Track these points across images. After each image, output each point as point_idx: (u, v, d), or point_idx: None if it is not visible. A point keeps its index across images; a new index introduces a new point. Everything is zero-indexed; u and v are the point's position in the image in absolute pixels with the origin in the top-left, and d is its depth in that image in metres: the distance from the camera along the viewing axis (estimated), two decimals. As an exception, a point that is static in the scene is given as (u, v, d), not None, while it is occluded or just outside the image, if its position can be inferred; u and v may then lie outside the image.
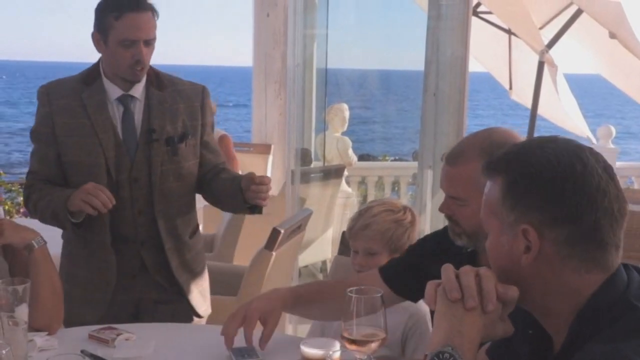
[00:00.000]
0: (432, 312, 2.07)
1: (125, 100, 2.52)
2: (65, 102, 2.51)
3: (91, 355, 1.94)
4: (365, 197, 6.70)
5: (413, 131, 5.20)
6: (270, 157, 6.18)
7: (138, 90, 2.52)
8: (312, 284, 2.24)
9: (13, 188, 8.06)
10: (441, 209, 1.89)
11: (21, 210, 7.27)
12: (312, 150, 5.93)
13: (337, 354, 1.28)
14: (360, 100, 7.32)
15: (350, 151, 6.67)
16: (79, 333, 2.18)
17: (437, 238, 2.06)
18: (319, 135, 6.29)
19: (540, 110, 5.60)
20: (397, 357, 2.13)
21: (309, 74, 5.62)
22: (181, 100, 2.57)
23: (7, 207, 7.06)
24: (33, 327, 1.97)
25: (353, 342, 1.46)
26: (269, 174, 6.04)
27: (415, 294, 2.02)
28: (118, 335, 2.09)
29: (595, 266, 1.24)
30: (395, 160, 9.49)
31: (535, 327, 1.34)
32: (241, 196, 2.50)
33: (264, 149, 6.15)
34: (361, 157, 8.14)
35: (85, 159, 2.48)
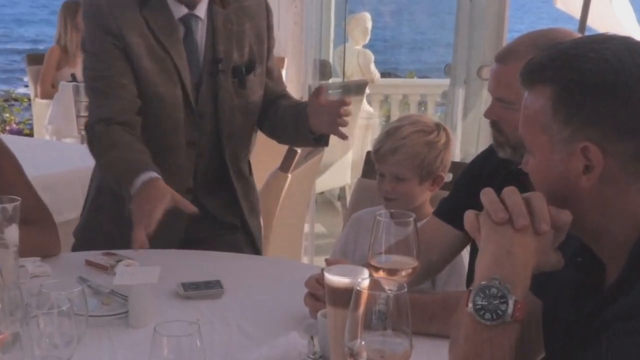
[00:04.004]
0: (471, 254, 2.04)
1: (188, 21, 2.30)
2: (130, 16, 2.22)
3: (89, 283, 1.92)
4: (388, 118, 6.62)
5: (444, 45, 5.10)
6: (284, 72, 6.10)
7: (202, 9, 2.30)
8: None
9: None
10: (486, 114, 1.89)
11: (7, 127, 7.28)
12: (331, 64, 5.84)
13: (366, 282, 1.24)
14: (384, 10, 7.17)
15: (373, 66, 6.57)
16: (74, 259, 2.18)
17: (481, 161, 2.06)
18: (338, 47, 6.18)
19: (589, 20, 5.45)
20: (428, 289, 2.12)
21: (328, -22, 5.49)
22: (247, 20, 2.37)
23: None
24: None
25: (382, 270, 1.43)
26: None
27: None
28: (118, 261, 2.07)
29: None
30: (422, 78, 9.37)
31: (584, 254, 1.30)
32: (307, 124, 2.32)
33: (277, 62, 6.07)
34: (384, 75, 8.04)
35: (163, 89, 2.26)
